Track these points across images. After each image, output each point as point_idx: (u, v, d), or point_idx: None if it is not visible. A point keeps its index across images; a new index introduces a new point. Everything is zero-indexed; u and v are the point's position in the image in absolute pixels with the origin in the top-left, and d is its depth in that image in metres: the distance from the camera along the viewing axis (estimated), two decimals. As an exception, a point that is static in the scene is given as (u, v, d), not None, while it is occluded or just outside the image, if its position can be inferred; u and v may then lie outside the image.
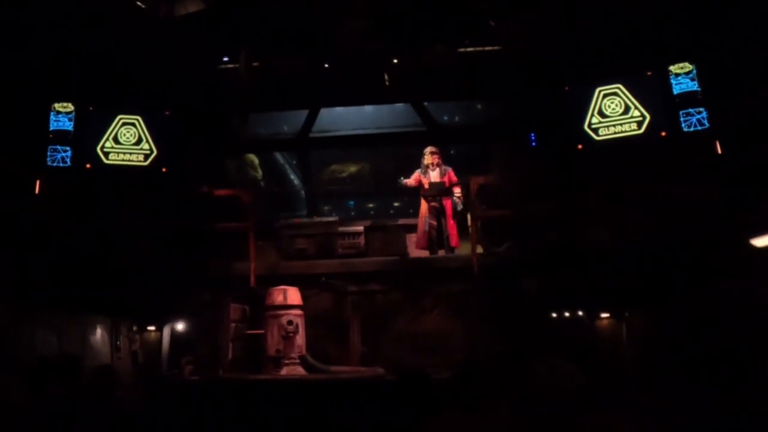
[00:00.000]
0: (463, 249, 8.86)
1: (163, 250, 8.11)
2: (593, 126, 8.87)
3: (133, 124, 9.23)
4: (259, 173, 12.83)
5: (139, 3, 8.33)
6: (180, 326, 8.86)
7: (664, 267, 6.94)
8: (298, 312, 8.10)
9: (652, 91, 8.70)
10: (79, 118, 9.00)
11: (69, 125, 8.94)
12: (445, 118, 12.70)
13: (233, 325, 8.56)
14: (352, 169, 14.28)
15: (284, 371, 7.76)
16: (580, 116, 8.92)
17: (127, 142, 9.17)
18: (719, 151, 7.74)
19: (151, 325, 8.84)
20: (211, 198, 8.66)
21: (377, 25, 8.97)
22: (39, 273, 6.77)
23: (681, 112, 8.44)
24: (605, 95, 8.86)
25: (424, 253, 9.04)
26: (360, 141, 12.05)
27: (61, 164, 8.82)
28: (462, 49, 9.66)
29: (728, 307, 6.32)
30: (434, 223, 8.99)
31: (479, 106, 12.85)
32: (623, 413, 3.46)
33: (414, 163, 9.44)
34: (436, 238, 8.95)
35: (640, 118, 8.67)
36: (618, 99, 8.79)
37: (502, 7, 8.81)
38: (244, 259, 8.40)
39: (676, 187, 7.24)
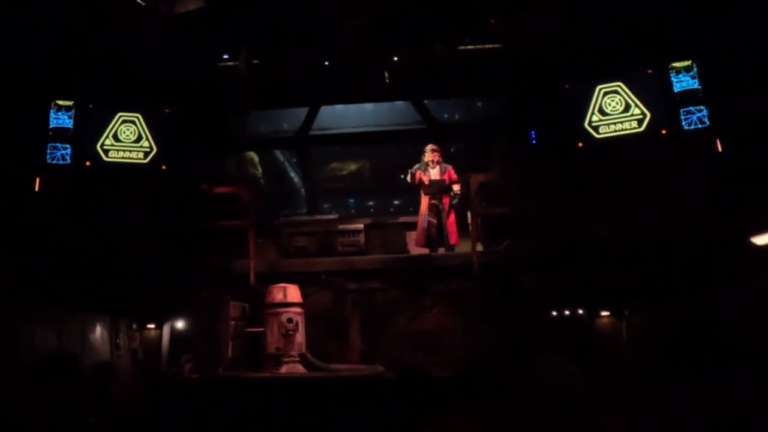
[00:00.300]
0: (463, 247, 8.85)
1: (162, 247, 8.10)
2: (593, 124, 8.86)
3: (133, 122, 9.23)
4: (259, 171, 12.80)
5: (139, 1, 8.31)
6: (180, 324, 8.86)
7: (664, 265, 6.94)
8: (298, 310, 8.09)
9: (652, 89, 8.69)
10: (78, 115, 9.00)
11: (69, 123, 8.94)
12: (446, 116, 12.69)
13: (233, 322, 8.55)
14: (352, 166, 14.28)
15: (284, 369, 7.75)
16: (581, 114, 8.92)
17: (127, 139, 9.17)
18: (720, 149, 7.73)
19: (150, 323, 8.85)
20: (211, 196, 8.65)
21: (377, 24, 8.96)
22: (39, 271, 6.76)
23: (681, 110, 8.44)
24: (606, 93, 8.85)
25: (425, 251, 9.04)
26: (360, 139, 12.05)
27: (61, 162, 8.82)
28: (462, 47, 9.65)
29: (728, 306, 6.32)
30: (434, 221, 8.98)
31: (479, 104, 12.86)
32: (623, 411, 3.46)
33: (414, 161, 9.42)
34: (435, 236, 8.93)
35: (641, 116, 8.66)
36: (618, 97, 8.79)
37: (503, 5, 8.80)
38: (244, 256, 8.38)
39: (677, 186, 7.23)
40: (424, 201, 9.10)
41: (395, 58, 9.76)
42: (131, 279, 7.67)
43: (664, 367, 6.97)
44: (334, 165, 14.22)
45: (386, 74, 9.80)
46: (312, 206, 12.49)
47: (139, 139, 9.21)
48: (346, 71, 9.94)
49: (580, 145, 8.90)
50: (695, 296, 6.76)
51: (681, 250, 6.75)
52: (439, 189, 9.01)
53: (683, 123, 8.41)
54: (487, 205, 8.91)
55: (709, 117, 8.28)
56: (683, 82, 8.50)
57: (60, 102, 8.92)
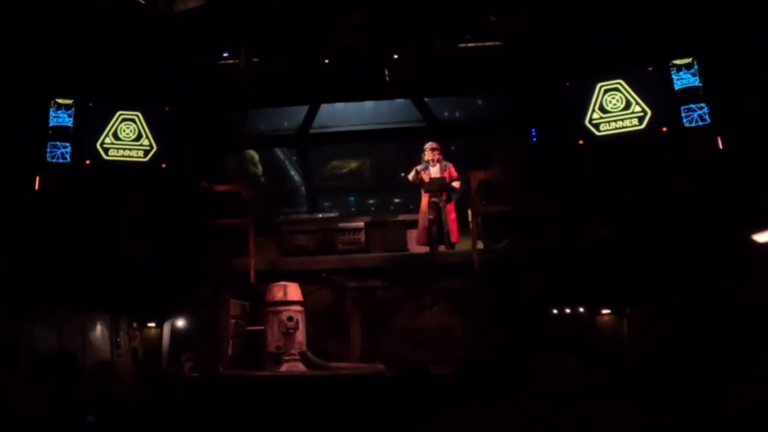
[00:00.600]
0: (464, 245, 8.84)
1: (162, 246, 8.10)
2: (594, 121, 8.84)
3: (132, 120, 9.21)
4: (259, 169, 12.83)
5: (139, -1, 8.31)
6: (180, 323, 8.87)
7: (665, 263, 6.93)
8: (299, 308, 8.08)
9: (653, 87, 8.67)
10: (78, 114, 8.99)
11: (69, 121, 8.92)
12: (446, 113, 12.67)
13: (233, 321, 8.55)
14: (353, 164, 14.27)
15: (284, 367, 7.75)
16: (581, 112, 8.90)
17: (127, 138, 9.16)
18: (721, 147, 7.71)
19: (151, 321, 8.85)
20: (211, 194, 8.63)
21: (377, 21, 8.94)
22: (38, 269, 6.75)
23: (682, 108, 8.42)
24: (606, 91, 8.83)
25: (425, 249, 9.03)
26: (360, 137, 12.03)
27: (61, 160, 8.81)
28: (462, 45, 9.63)
29: (729, 304, 6.30)
30: (434, 218, 8.97)
31: (480, 102, 12.84)
32: (624, 410, 3.45)
33: (415, 159, 9.41)
34: (435, 234, 8.92)
35: (642, 114, 8.64)
36: (619, 94, 8.76)
37: (503, 2, 8.78)
38: (244, 255, 8.37)
39: (678, 183, 7.22)
40: (425, 199, 9.09)
41: (395, 56, 9.74)
42: (131, 277, 7.67)
43: (664, 366, 6.96)
44: (334, 163, 14.21)
45: (386, 72, 9.79)
46: (312, 204, 12.49)
47: (139, 137, 9.20)
48: (346, 69, 9.93)
49: (581, 142, 8.88)
50: (696, 294, 6.74)
51: (682, 247, 6.74)
52: (439, 187, 8.99)
53: (684, 120, 8.39)
54: (487, 203, 8.89)
55: (710, 114, 8.25)
56: (684, 79, 8.48)
57: (60, 100, 8.91)
